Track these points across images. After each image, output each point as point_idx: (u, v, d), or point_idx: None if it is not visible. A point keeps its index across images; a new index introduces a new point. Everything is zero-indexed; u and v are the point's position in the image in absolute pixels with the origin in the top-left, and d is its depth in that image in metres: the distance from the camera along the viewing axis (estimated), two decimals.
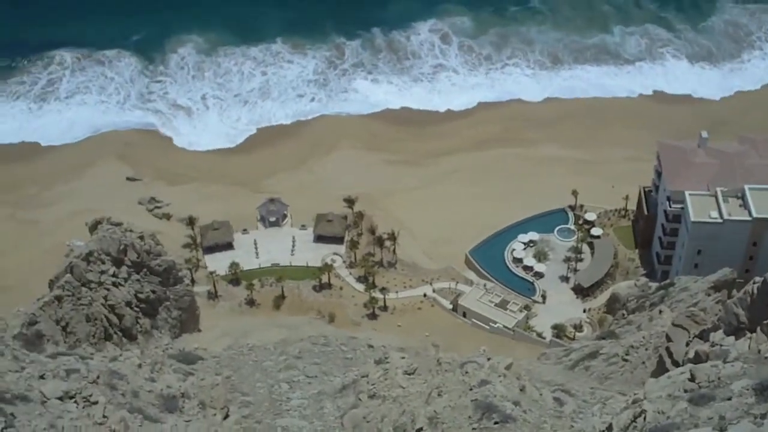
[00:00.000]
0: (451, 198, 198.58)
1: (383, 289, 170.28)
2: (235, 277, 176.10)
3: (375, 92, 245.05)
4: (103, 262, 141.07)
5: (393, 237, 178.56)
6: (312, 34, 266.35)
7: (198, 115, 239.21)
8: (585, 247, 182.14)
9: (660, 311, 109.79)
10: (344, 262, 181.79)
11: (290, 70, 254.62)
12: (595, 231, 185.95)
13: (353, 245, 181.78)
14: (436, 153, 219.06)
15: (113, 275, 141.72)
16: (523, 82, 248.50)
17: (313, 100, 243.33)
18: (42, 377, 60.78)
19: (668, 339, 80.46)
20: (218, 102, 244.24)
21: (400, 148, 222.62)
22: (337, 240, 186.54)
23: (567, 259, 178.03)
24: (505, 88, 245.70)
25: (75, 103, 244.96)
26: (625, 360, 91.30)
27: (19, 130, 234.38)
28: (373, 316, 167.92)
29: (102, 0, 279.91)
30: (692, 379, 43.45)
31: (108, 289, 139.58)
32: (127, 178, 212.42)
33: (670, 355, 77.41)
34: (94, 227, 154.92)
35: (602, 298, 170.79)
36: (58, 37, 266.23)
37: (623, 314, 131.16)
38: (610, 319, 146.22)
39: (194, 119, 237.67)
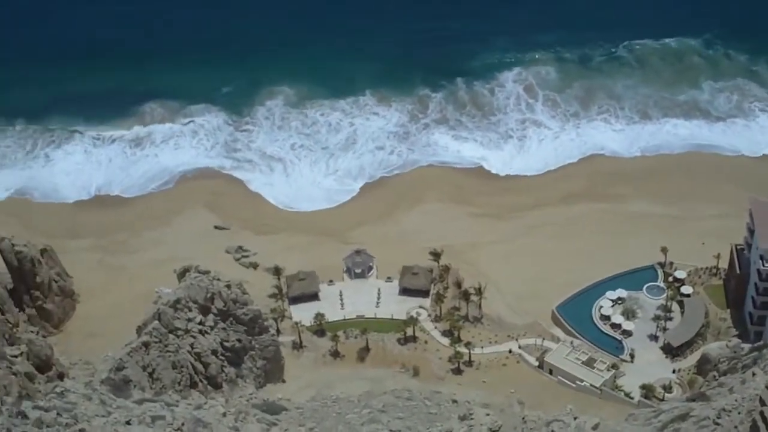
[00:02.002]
0: (537, 252, 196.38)
1: (468, 344, 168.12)
2: (320, 327, 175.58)
3: (460, 147, 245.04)
4: (191, 310, 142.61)
5: (479, 291, 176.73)
6: (399, 85, 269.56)
7: (283, 168, 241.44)
8: (675, 306, 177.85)
9: (753, 374, 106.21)
10: (429, 315, 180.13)
11: (375, 122, 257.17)
12: (686, 289, 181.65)
13: (439, 299, 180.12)
14: (522, 207, 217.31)
15: (200, 323, 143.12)
16: (611, 136, 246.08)
17: (392, 152, 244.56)
18: (128, 423, 61.06)
19: (762, 403, 77.51)
20: (305, 153, 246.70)
21: (486, 201, 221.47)
22: (423, 293, 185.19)
23: (656, 318, 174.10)
24: (593, 143, 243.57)
25: (164, 153, 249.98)
26: (717, 423, 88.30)
27: (109, 178, 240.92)
28: (457, 371, 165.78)
29: (195, 52, 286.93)
30: None
31: (194, 337, 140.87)
32: (215, 227, 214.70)
33: (765, 419, 74.64)
34: (182, 275, 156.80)
35: (692, 358, 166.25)
36: (150, 88, 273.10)
37: (714, 376, 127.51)
38: (701, 380, 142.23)
39: (280, 172, 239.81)
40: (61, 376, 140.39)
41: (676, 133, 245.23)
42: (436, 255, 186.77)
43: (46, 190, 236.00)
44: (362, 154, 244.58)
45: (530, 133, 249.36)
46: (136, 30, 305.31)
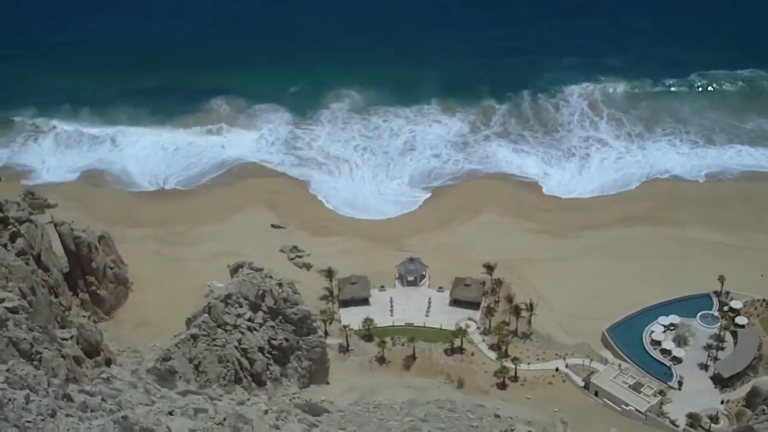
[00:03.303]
0: (592, 272, 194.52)
1: (515, 359, 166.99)
2: (368, 332, 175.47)
3: (521, 161, 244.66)
4: (241, 306, 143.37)
5: (530, 307, 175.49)
6: (464, 95, 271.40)
7: (343, 171, 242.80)
8: (728, 336, 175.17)
9: None
10: (478, 328, 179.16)
11: (435, 130, 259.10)
12: (740, 320, 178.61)
13: (489, 312, 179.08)
14: (580, 226, 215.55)
15: (249, 319, 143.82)
16: (674, 159, 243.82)
17: (448, 161, 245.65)
18: (170, 413, 61.54)
19: None
20: (365, 157, 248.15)
21: (544, 217, 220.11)
22: (473, 305, 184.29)
23: (708, 347, 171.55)
24: (655, 165, 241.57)
25: (228, 148, 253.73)
26: None
27: (172, 169, 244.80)
28: (502, 386, 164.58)
29: (264, 51, 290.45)
30: None
31: (243, 333, 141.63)
32: (272, 225, 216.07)
33: None
34: (235, 270, 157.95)
35: (742, 390, 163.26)
36: (218, 85, 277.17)
37: (764, 410, 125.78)
38: (749, 413, 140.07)
39: (339, 175, 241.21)
40: (108, 362, 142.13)
41: (740, 161, 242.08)
42: (489, 268, 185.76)
43: (110, 177, 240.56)
44: (419, 161, 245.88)
45: (593, 151, 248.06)
46: (208, 28, 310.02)
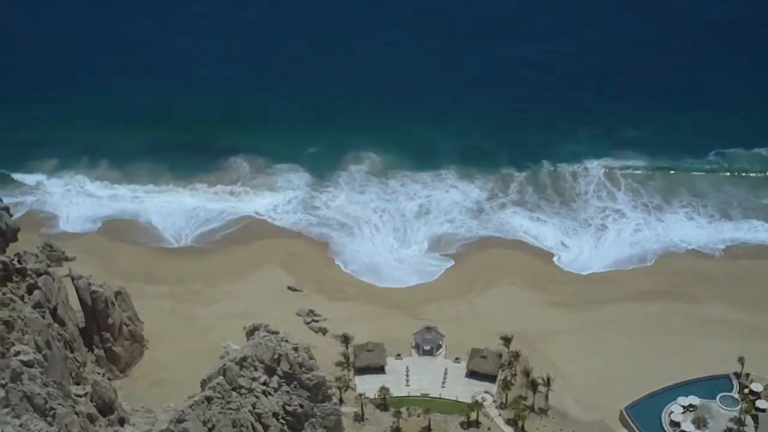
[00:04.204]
0: (610, 348, 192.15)
1: None
2: (384, 402, 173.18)
3: (538, 231, 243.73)
4: (256, 369, 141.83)
5: (547, 382, 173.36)
6: (483, 162, 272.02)
7: (360, 235, 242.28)
8: (749, 419, 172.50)
9: None
10: (495, 401, 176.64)
11: (451, 196, 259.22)
12: (761, 403, 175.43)
13: (506, 385, 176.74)
14: (597, 299, 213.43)
15: (264, 383, 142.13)
16: (692, 233, 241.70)
17: (462, 226, 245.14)
18: None
19: None
20: (382, 222, 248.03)
21: (561, 290, 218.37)
22: (490, 377, 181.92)
23: (728, 430, 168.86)
24: (673, 238, 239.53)
25: (246, 207, 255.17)
26: None
27: (190, 226, 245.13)
28: None
29: (284, 111, 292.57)
30: None
31: (257, 397, 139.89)
32: (289, 288, 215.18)
33: None
34: (251, 332, 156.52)
35: None
36: (239, 143, 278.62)
37: None
38: None
39: (356, 239, 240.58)
40: (121, 422, 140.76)
41: (758, 236, 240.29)
42: (506, 340, 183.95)
43: (128, 232, 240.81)
44: (433, 226, 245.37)
45: (610, 222, 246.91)
46: (228, 86, 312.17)
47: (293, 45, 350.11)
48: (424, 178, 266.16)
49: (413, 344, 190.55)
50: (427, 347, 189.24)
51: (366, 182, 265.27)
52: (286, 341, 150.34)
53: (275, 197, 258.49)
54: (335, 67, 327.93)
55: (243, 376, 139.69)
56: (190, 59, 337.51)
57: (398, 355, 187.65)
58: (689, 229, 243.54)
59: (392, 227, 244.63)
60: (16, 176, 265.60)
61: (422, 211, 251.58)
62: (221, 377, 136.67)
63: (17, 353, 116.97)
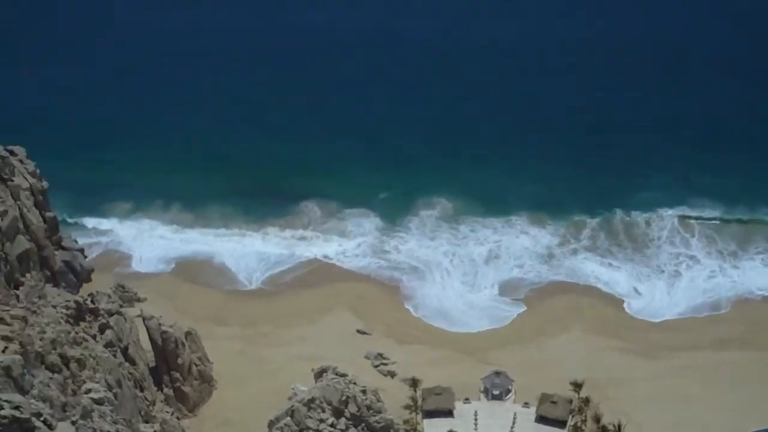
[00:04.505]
0: (682, 396, 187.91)
1: None
2: None
3: (609, 277, 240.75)
4: (324, 411, 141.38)
5: (618, 429, 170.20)
6: (555, 209, 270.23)
7: (430, 280, 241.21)
8: None
9: None
10: None
11: (522, 241, 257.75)
12: None
13: (575, 431, 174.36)
14: (670, 346, 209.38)
15: (332, 425, 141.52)
16: None
17: (531, 271, 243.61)
18: None
19: None
20: (452, 267, 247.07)
21: (632, 336, 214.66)
22: (560, 423, 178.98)
23: None
24: (749, 285, 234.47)
25: (316, 251, 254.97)
26: None
27: (259, 270, 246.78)
28: None
29: (358, 157, 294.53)
30: None
31: None
32: (358, 331, 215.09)
33: None
34: (319, 374, 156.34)
35: None
36: (311, 188, 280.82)
37: None
38: None
39: (426, 283, 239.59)
40: None
41: None
42: (577, 386, 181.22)
43: (200, 274, 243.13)
44: (501, 271, 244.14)
45: (683, 268, 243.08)
46: (300, 131, 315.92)
47: (367, 91, 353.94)
48: (494, 223, 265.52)
49: (482, 389, 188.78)
50: (496, 392, 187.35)
51: (436, 228, 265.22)
52: (355, 383, 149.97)
53: (345, 241, 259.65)
54: (408, 114, 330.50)
55: (311, 418, 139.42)
56: (263, 105, 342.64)
57: (467, 399, 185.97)
58: (766, 276, 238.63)
59: (462, 272, 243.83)
60: (91, 218, 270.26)
61: (492, 255, 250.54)
62: (289, 418, 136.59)
63: (88, 391, 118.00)
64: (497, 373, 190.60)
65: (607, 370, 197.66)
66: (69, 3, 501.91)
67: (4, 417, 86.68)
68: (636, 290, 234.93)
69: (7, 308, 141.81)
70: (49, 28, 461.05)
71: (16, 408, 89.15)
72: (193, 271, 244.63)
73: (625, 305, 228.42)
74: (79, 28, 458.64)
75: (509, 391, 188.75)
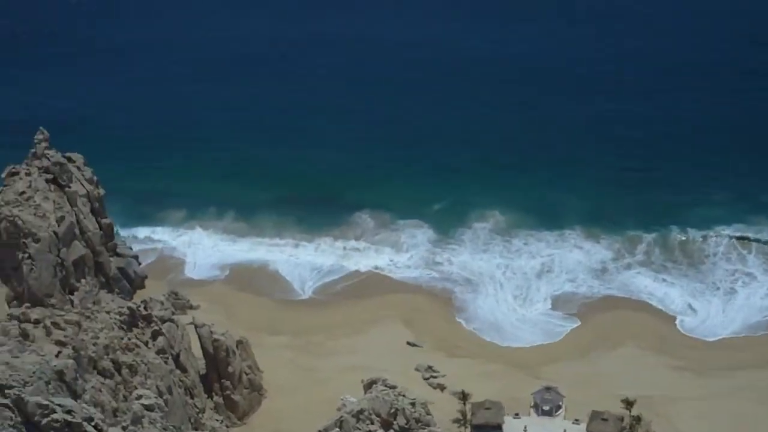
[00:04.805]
0: (738, 416, 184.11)
1: None
2: None
3: (663, 293, 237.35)
4: (372, 422, 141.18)
5: None
6: (609, 224, 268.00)
7: (482, 293, 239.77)
8: None
9: None
10: None
11: (575, 255, 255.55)
12: None
13: None
14: (725, 365, 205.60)
15: None
16: None
17: (583, 285, 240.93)
18: None
19: None
20: (504, 280, 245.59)
21: (687, 354, 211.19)
22: None
23: None
24: None
25: (369, 262, 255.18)
26: None
27: (311, 280, 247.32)
28: None
29: (412, 168, 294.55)
30: None
31: None
32: (408, 343, 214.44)
33: None
34: (369, 386, 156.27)
35: None
36: (364, 198, 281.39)
37: None
38: None
39: (478, 296, 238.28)
40: None
41: None
42: (628, 403, 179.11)
43: (252, 283, 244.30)
44: (554, 284, 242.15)
45: (739, 286, 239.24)
46: (356, 143, 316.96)
47: (422, 103, 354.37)
48: (547, 237, 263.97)
49: (532, 404, 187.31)
50: (546, 407, 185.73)
51: (489, 240, 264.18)
52: (404, 396, 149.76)
53: (398, 253, 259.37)
54: (461, 126, 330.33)
55: (359, 429, 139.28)
56: (317, 115, 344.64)
57: (516, 414, 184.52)
58: None
59: (515, 285, 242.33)
60: (146, 225, 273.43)
61: (544, 269, 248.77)
62: (337, 429, 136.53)
63: (139, 397, 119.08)
64: (548, 389, 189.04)
65: (659, 388, 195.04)
66: (123, 17, 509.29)
67: (57, 421, 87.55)
68: (690, 307, 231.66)
69: (62, 313, 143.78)
70: (105, 39, 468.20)
71: (68, 412, 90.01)
72: (245, 279, 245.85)
73: (678, 322, 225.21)
74: (134, 38, 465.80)
75: (560, 407, 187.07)
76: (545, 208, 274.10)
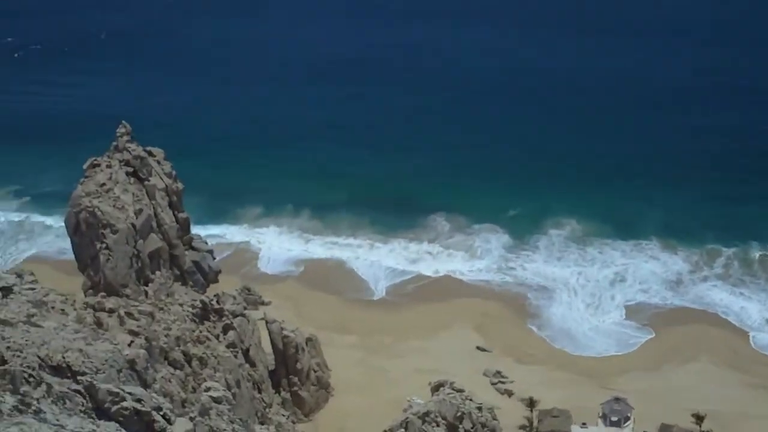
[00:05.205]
0: None
1: None
2: None
3: (740, 308, 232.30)
4: (438, 425, 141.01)
5: None
6: (686, 237, 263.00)
7: (555, 301, 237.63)
8: None
9: None
10: None
11: (650, 266, 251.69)
12: None
13: None
14: None
15: None
16: None
17: (656, 296, 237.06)
18: None
19: None
20: (578, 287, 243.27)
21: (762, 372, 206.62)
22: None
23: None
24: None
25: (440, 265, 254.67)
26: None
27: (383, 281, 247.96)
28: None
29: (488, 173, 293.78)
30: None
31: None
32: (477, 347, 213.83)
33: None
34: (436, 388, 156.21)
35: None
36: (440, 202, 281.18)
37: None
38: None
39: (552, 304, 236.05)
40: None
41: None
42: (698, 418, 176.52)
43: (324, 282, 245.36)
44: (626, 294, 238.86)
45: None
46: (434, 145, 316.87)
47: (501, 111, 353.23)
48: (623, 246, 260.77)
49: (600, 414, 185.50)
50: (614, 418, 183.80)
51: (564, 248, 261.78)
52: (471, 400, 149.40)
53: (471, 257, 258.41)
54: (542, 135, 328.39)
55: (424, 431, 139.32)
56: (397, 119, 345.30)
57: (584, 424, 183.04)
58: None
59: (588, 293, 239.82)
60: (223, 221, 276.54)
61: (617, 278, 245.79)
62: (403, 430, 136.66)
63: (208, 389, 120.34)
64: (617, 399, 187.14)
65: (732, 404, 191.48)
66: (219, 15, 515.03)
67: (126, 409, 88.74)
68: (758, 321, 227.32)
69: (136, 304, 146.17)
70: (200, 37, 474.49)
71: (138, 401, 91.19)
72: (318, 277, 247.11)
73: (752, 338, 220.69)
74: (227, 37, 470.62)
75: (628, 418, 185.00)
76: (622, 219, 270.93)
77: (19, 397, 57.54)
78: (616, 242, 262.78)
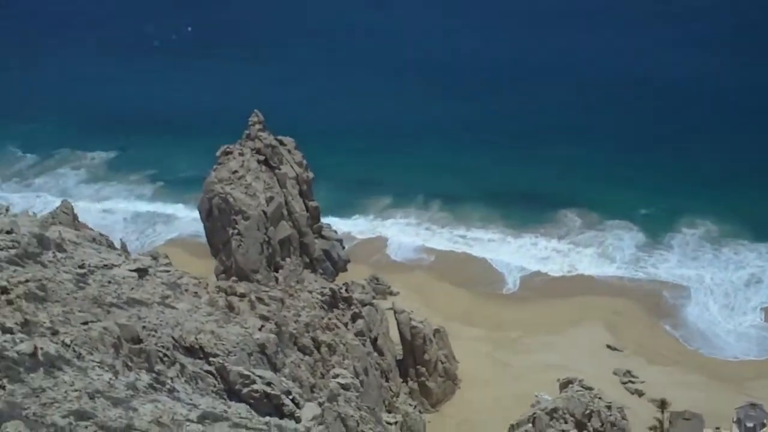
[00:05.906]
0: None
1: None
2: None
3: None
4: (566, 422, 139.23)
5: None
6: None
7: (690, 302, 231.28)
8: None
9: None
10: None
11: None
12: None
13: None
14: None
15: None
16: None
17: None
18: None
19: None
20: (713, 286, 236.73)
21: None
22: None
23: None
24: None
25: (576, 261, 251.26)
26: None
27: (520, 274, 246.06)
28: None
29: (625, 170, 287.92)
30: None
31: None
32: (608, 346, 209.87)
33: None
34: (564, 385, 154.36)
35: None
36: (573, 197, 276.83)
37: None
38: None
39: (687, 305, 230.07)
40: None
41: None
42: None
43: (452, 274, 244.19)
44: (762, 296, 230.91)
45: None
46: (575, 137, 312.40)
47: (640, 109, 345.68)
48: (759, 248, 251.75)
49: (735, 419, 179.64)
50: (749, 424, 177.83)
51: (699, 248, 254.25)
52: (600, 398, 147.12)
53: (603, 253, 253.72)
54: (677, 134, 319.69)
55: (552, 428, 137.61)
56: (525, 107, 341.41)
57: (717, 428, 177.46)
58: None
59: (723, 293, 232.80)
60: (353, 211, 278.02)
61: (753, 280, 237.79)
62: (530, 425, 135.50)
63: (336, 376, 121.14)
64: (753, 405, 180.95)
65: None
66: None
67: (256, 391, 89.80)
68: None
69: (267, 289, 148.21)
70: (340, 24, 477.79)
71: (268, 384, 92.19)
72: (447, 269, 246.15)
73: None
74: (366, 25, 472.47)
75: (764, 425, 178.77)
76: (760, 220, 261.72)
77: (154, 375, 58.45)
78: (753, 244, 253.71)
